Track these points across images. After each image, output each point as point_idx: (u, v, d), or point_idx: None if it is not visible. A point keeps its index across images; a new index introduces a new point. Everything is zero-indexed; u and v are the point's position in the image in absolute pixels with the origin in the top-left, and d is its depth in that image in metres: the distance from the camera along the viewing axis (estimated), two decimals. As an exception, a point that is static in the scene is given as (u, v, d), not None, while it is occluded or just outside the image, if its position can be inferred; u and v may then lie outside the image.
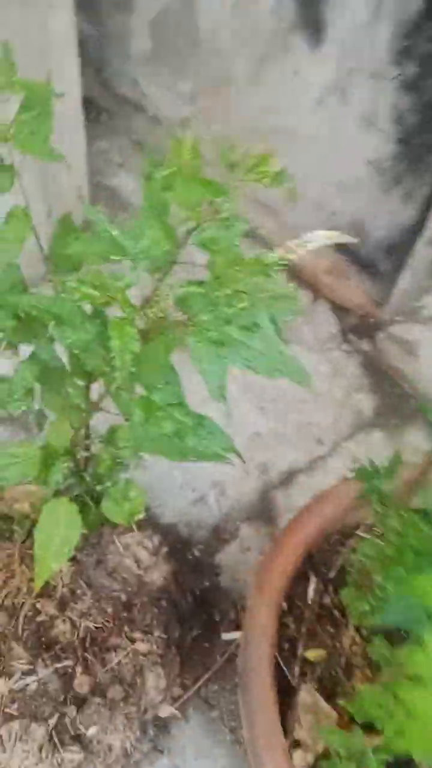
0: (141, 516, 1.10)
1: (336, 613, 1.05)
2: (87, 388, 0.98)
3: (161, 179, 0.62)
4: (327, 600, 1.06)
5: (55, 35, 1.38)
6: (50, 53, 1.39)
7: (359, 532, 1.12)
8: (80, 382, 0.94)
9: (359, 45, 1.28)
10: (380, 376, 1.77)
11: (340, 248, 1.70)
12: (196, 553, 1.48)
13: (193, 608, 1.37)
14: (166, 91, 1.71)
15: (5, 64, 0.71)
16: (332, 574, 1.08)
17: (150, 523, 1.41)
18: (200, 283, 0.66)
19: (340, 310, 1.82)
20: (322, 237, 0.59)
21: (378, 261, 1.65)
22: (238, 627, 1.42)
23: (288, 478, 1.61)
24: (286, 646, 0.96)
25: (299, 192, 1.58)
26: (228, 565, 1.48)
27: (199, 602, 1.40)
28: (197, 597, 1.41)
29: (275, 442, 1.65)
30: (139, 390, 0.83)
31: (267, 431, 1.66)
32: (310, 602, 1.05)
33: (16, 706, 1.05)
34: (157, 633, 1.18)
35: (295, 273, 1.84)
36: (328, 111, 1.42)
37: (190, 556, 1.47)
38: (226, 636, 1.39)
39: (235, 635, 1.40)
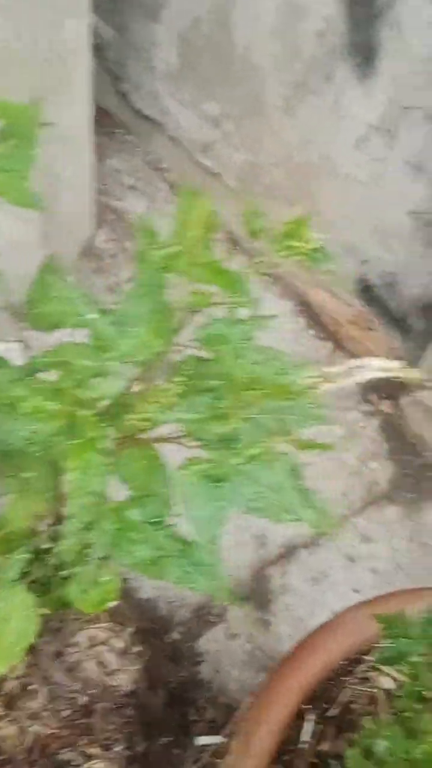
0: (113, 604, 0.92)
1: (334, 764, 0.86)
2: (54, 472, 0.81)
3: (159, 259, 0.45)
4: (325, 746, 0.87)
5: (70, 38, 1.21)
6: (64, 59, 1.23)
7: (370, 658, 0.94)
8: (44, 469, 0.76)
9: (416, 81, 1.12)
10: (401, 443, 1.59)
11: (370, 299, 1.53)
12: (176, 635, 1.30)
13: (165, 707, 1.19)
14: (190, 111, 1.55)
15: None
16: (334, 711, 0.89)
17: (124, 601, 1.23)
18: (194, 392, 0.49)
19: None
20: (375, 367, 0.42)
21: (411, 318, 1.48)
22: (215, 729, 1.24)
23: (287, 553, 1.43)
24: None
25: (327, 233, 1.36)
26: (211, 652, 1.31)
27: (173, 698, 1.22)
28: (172, 691, 1.23)
29: (277, 511, 1.47)
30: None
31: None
32: (303, 748, 0.87)
33: None
34: (118, 748, 1.00)
35: (315, 319, 1.67)
36: (372, 151, 1.25)
37: (168, 640, 1.29)
38: (200, 740, 1.21)
39: (211, 740, 1.22)
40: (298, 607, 1.37)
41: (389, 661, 0.65)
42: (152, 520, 0.63)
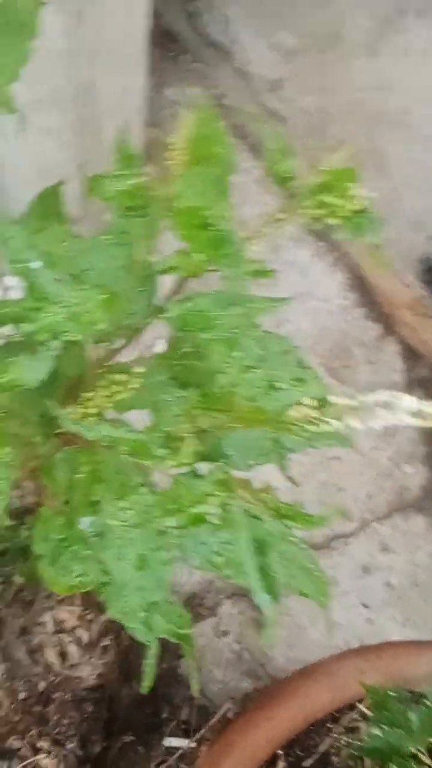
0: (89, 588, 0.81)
1: None
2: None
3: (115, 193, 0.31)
4: (292, 802, 0.75)
5: None
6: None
7: (361, 706, 0.80)
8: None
9: None
10: (441, 448, 1.42)
11: None
12: (161, 623, 1.19)
13: (136, 702, 1.08)
14: (261, 42, 1.36)
15: None
16: (309, 762, 0.77)
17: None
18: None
19: (412, 355, 1.46)
20: (405, 411, 0.27)
21: None
22: (187, 732, 1.14)
23: (296, 551, 1.30)
24: None
25: (394, 201, 1.15)
26: (196, 647, 1.19)
27: (146, 693, 1.12)
28: (146, 684, 1.13)
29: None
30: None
31: (282, 487, 1.34)
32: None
33: None
34: (70, 746, 0.90)
35: (368, 297, 1.49)
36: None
37: (152, 627, 1.18)
38: (168, 741, 1.11)
39: (180, 742, 1.11)
40: (300, 614, 1.24)
41: (376, 755, 0.51)
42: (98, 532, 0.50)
